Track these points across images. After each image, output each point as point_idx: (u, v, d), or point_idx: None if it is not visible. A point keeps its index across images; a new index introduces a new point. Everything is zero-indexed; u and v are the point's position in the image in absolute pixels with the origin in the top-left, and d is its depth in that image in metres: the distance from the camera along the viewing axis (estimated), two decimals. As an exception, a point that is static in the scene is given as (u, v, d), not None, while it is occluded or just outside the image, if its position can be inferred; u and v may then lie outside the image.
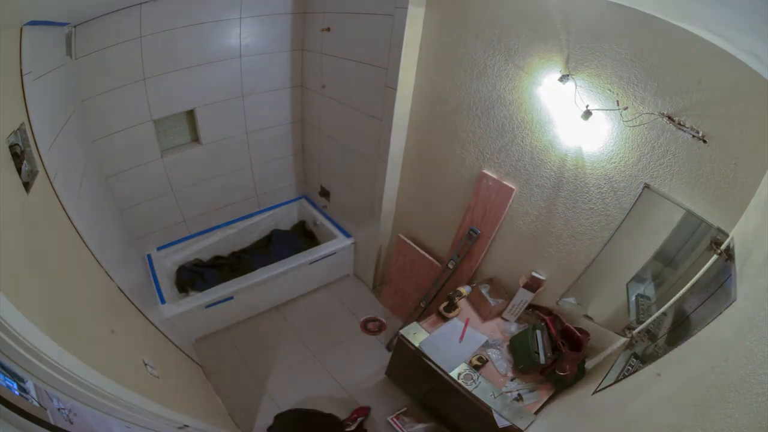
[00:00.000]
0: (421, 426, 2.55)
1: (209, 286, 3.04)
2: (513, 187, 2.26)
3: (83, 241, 1.70)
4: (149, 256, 3.22)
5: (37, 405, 1.10)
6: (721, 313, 1.16)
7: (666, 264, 1.73)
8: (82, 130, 2.38)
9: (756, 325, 0.95)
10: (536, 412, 1.97)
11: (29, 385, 1.11)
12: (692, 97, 1.47)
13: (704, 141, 1.46)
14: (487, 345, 2.29)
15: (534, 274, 2.27)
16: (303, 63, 3.25)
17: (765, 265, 1.05)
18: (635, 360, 1.57)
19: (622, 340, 1.83)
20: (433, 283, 2.84)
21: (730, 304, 1.13)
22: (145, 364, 1.65)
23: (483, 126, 2.29)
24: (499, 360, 2.21)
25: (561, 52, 1.80)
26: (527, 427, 1.88)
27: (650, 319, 1.64)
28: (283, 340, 3.15)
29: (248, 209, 3.74)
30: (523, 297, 2.30)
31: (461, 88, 2.31)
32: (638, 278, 1.81)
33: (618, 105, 1.66)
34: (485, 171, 2.38)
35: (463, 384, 2.06)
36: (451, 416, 2.49)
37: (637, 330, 1.69)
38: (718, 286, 1.28)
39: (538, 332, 2.12)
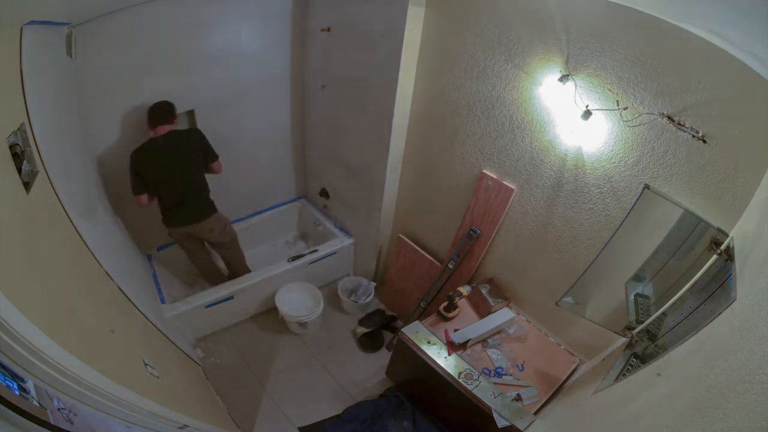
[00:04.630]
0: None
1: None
2: (513, 187, 2.26)
3: (83, 241, 1.70)
4: (149, 256, 3.22)
5: (37, 405, 1.10)
6: (720, 313, 1.16)
7: (666, 264, 1.73)
8: (82, 130, 2.38)
9: (756, 325, 0.95)
10: (536, 412, 1.97)
11: (29, 385, 1.11)
12: (692, 97, 1.47)
13: (704, 141, 1.46)
14: (487, 345, 2.29)
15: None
16: (303, 63, 3.24)
17: (765, 265, 1.05)
18: (635, 360, 1.57)
19: (622, 340, 1.83)
20: (433, 283, 2.84)
21: (730, 304, 1.13)
22: (145, 364, 1.64)
23: (483, 126, 2.29)
24: (499, 360, 2.21)
25: (561, 52, 1.80)
26: (527, 427, 1.88)
27: (650, 319, 1.64)
28: (283, 340, 3.15)
29: (248, 209, 3.73)
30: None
31: (461, 88, 2.31)
32: (637, 278, 1.81)
33: (618, 105, 1.66)
34: (485, 171, 2.38)
35: (464, 383, 2.06)
36: (451, 416, 2.49)
37: (637, 330, 1.69)
38: (718, 286, 1.28)
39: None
